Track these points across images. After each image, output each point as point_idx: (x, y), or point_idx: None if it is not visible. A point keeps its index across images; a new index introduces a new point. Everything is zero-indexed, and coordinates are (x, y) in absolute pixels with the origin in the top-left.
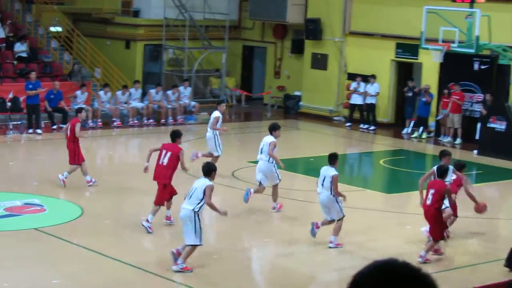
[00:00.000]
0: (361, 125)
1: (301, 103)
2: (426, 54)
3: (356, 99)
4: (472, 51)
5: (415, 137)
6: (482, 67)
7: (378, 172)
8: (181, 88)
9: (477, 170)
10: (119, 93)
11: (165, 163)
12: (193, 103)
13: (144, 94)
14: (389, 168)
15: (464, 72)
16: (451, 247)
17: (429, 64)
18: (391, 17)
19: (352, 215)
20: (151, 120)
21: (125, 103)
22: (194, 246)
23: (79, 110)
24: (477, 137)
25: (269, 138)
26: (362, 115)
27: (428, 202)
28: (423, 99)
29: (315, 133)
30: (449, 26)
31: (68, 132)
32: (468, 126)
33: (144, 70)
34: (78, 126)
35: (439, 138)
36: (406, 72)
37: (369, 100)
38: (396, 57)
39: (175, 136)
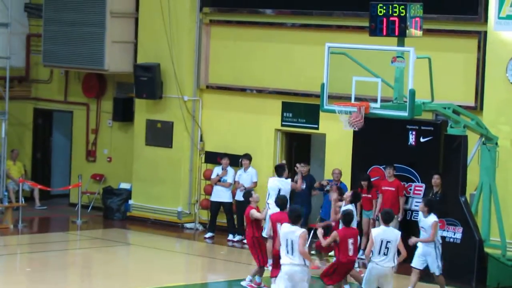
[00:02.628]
0: (230, 236)
1: (131, 201)
2: (331, 119)
3: (221, 195)
4: (404, 114)
5: (315, 256)
6: (422, 139)
7: None
8: None
9: None
10: None
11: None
12: None
13: None
14: None
15: (394, 149)
16: None
17: (336, 136)
18: (274, 62)
19: None
20: None
21: None
22: None
23: None
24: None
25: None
26: (231, 220)
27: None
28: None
29: (155, 252)
30: (367, 75)
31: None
32: (405, 234)
33: None
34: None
35: (359, 256)
36: (299, 150)
37: (241, 196)
38: (284, 125)
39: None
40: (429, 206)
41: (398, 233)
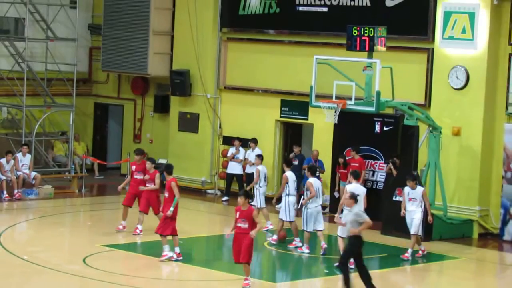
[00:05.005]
0: None
1: None
2: (317, 113)
3: (234, 168)
4: (372, 109)
5: None
6: (385, 128)
7: (265, 256)
8: (18, 155)
9: (381, 252)
10: None
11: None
12: (33, 173)
13: None
14: (277, 252)
15: (364, 135)
16: None
17: (321, 125)
18: (275, 69)
19: None
20: None
21: None
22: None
23: None
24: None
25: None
26: (241, 187)
27: None
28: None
29: (185, 210)
30: (344, 79)
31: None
32: (371, 200)
33: None
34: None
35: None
36: (294, 135)
37: (250, 169)
38: (282, 116)
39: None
40: (417, 179)
41: (364, 189)
